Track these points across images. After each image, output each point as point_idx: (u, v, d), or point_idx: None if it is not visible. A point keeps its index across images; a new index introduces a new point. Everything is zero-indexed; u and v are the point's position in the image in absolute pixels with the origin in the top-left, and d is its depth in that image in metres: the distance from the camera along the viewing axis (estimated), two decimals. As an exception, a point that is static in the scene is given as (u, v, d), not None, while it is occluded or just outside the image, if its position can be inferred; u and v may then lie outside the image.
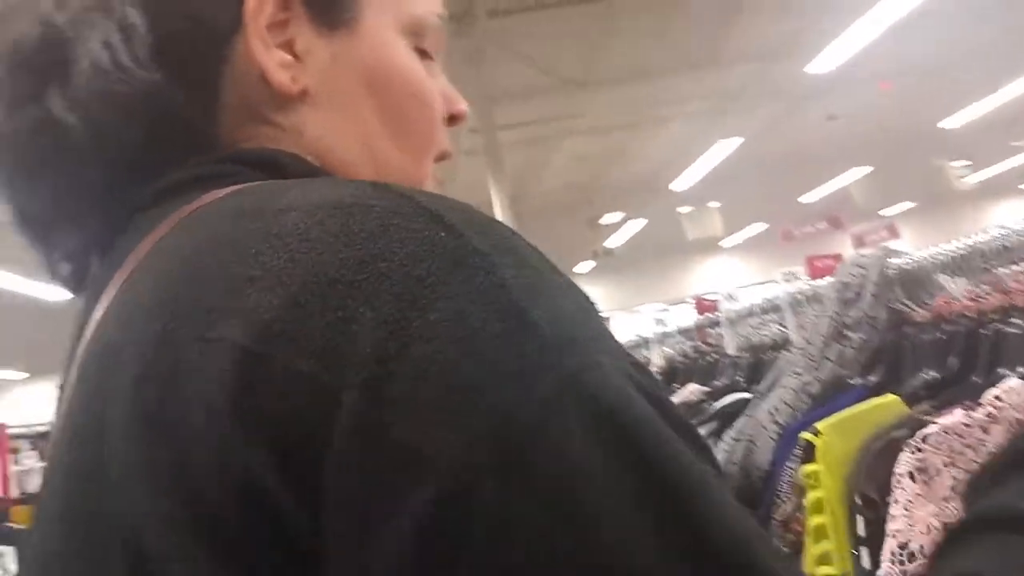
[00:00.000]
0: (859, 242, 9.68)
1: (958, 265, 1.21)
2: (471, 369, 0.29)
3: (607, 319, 0.37)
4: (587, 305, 0.34)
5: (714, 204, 11.76)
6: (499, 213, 7.15)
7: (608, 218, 12.56)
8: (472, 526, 0.27)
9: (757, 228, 12.92)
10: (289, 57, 0.44)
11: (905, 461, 0.86)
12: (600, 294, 13.52)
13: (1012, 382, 0.89)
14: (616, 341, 0.33)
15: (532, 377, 0.29)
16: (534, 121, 8.71)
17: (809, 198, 12.62)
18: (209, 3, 0.43)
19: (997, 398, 0.87)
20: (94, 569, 0.32)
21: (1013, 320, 1.06)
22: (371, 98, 0.46)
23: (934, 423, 0.88)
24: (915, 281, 1.29)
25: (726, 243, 13.35)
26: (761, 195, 12.46)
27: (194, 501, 0.29)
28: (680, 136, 9.94)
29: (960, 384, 1.11)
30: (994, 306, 1.12)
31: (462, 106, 0.52)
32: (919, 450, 0.85)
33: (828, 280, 1.49)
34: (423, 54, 0.48)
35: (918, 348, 1.21)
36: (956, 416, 0.87)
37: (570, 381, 0.29)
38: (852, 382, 1.28)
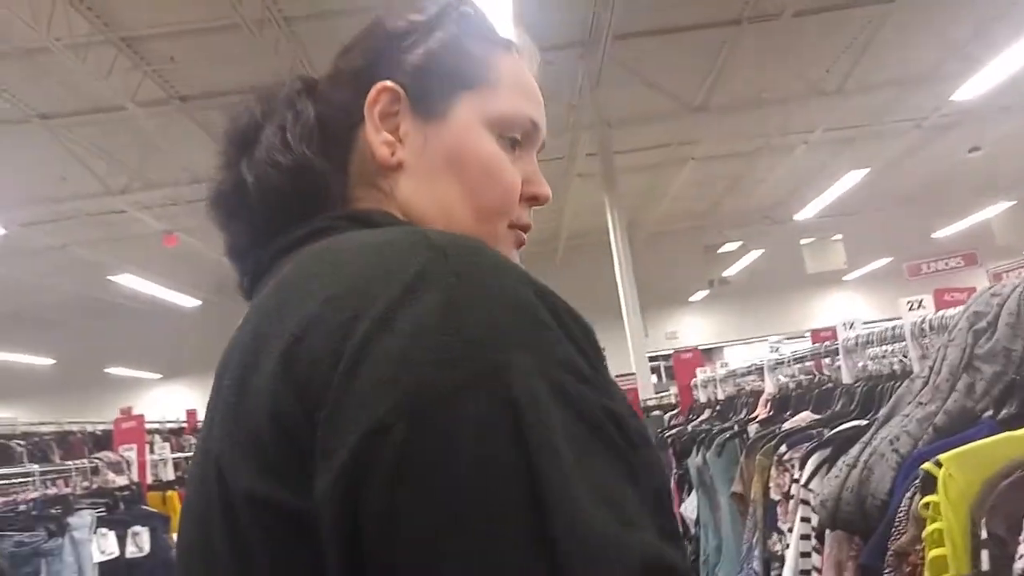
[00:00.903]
0: (997, 280, 9.02)
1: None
2: (412, 354, 0.42)
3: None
4: (547, 321, 0.45)
5: (837, 236, 11.28)
6: (614, 238, 7.14)
7: (725, 247, 12.27)
8: (379, 453, 0.40)
9: (881, 262, 12.27)
10: (391, 137, 0.61)
11: None
12: (713, 324, 13.20)
13: None
14: (561, 348, 0.44)
15: (455, 365, 0.41)
16: (653, 146, 8.66)
17: (942, 233, 11.88)
18: (351, 98, 0.61)
19: None
20: (204, 480, 0.49)
21: None
22: (451, 171, 0.61)
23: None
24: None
25: (848, 277, 12.74)
26: (888, 228, 11.85)
27: (248, 426, 0.46)
28: (803, 165, 9.62)
29: None
30: None
31: (544, 190, 0.65)
32: None
33: (957, 310, 1.43)
34: (514, 142, 0.63)
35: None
36: None
37: (486, 374, 0.41)
38: (982, 415, 1.22)
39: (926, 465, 1.03)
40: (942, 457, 1.00)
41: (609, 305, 7.08)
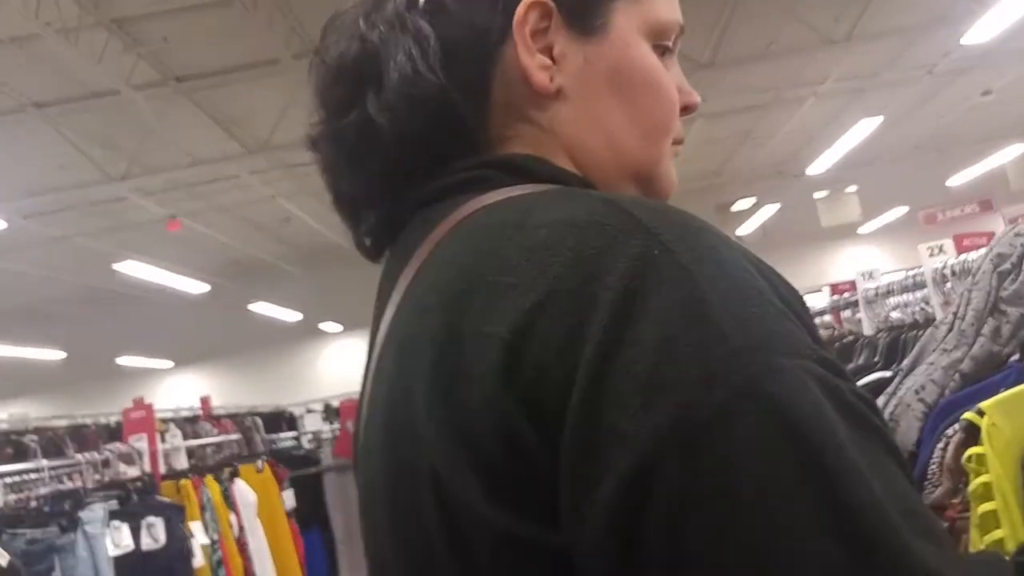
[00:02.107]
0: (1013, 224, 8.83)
1: None
2: (665, 372, 0.37)
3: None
4: (778, 303, 0.40)
5: (851, 188, 11.10)
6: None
7: (738, 205, 12.11)
8: (652, 492, 0.36)
9: (897, 213, 12.09)
10: (548, 60, 0.52)
11: None
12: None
13: None
14: (801, 335, 0.39)
15: (714, 382, 0.36)
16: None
17: (957, 180, 11.66)
18: (483, 13, 0.52)
19: None
20: (411, 496, 0.44)
21: None
22: (616, 93, 0.54)
23: None
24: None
25: (863, 229, 12.57)
26: (902, 178, 11.64)
27: (473, 446, 0.41)
28: (814, 117, 9.44)
29: None
30: None
31: (695, 98, 0.59)
32: None
33: (979, 253, 1.36)
34: (664, 51, 0.56)
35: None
36: None
37: (749, 388, 0.36)
38: (1008, 359, 1.16)
39: (968, 415, 0.97)
40: (983, 405, 0.94)
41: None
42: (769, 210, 11.95)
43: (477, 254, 0.45)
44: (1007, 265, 1.21)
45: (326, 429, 5.73)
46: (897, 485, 0.37)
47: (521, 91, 0.53)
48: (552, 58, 0.52)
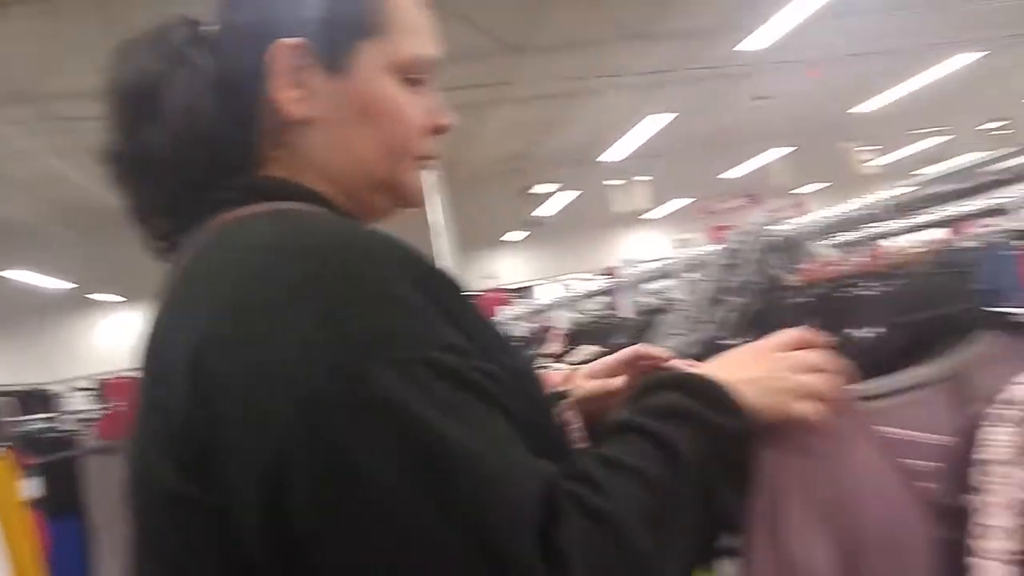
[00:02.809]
0: (774, 217, 9.98)
1: (827, 232, 1.27)
2: (297, 367, 0.47)
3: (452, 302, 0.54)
4: (417, 305, 0.50)
5: (642, 178, 11.91)
6: (430, 178, 7.08)
7: (540, 188, 12.58)
8: (291, 470, 0.46)
9: (680, 203, 13.19)
10: (300, 94, 0.62)
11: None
12: (530, 263, 13.61)
13: None
14: (427, 331, 0.50)
15: (334, 375, 0.46)
16: (468, 85, 8.62)
17: (731, 175, 12.94)
18: (252, 52, 0.62)
19: None
20: (142, 469, 0.55)
21: (868, 284, 1.13)
22: (361, 121, 0.64)
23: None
24: (793, 247, 1.36)
25: (651, 216, 13.57)
26: (686, 171, 12.70)
27: (171, 430, 0.51)
28: (613, 109, 10.00)
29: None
30: (851, 271, 1.19)
31: (447, 120, 0.70)
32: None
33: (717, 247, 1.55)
34: (414, 81, 0.66)
35: (788, 311, 1.27)
36: None
37: (362, 378, 0.46)
38: (729, 343, 1.34)
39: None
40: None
41: (425, 245, 7.07)
42: (569, 195, 12.55)
43: (193, 271, 0.56)
44: (734, 260, 1.39)
45: (93, 408, 5.28)
46: (496, 433, 0.49)
47: (280, 120, 0.63)
48: (305, 92, 0.62)
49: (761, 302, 1.33)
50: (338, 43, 0.63)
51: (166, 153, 0.61)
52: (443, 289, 0.53)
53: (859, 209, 1.26)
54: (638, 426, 0.57)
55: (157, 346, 0.56)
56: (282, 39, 0.62)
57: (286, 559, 0.47)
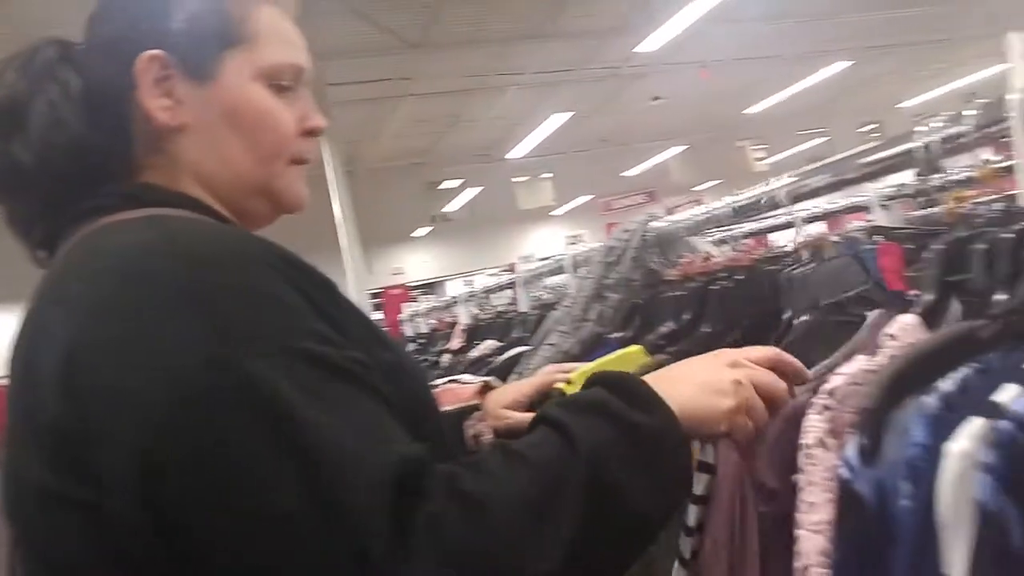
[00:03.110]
0: (670, 214, 10.37)
1: (701, 228, 1.37)
2: (170, 359, 0.49)
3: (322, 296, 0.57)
4: (286, 301, 0.53)
5: (547, 175, 12.12)
6: (330, 172, 6.98)
7: (446, 184, 12.59)
8: (160, 458, 0.48)
9: (584, 199, 13.48)
10: (168, 102, 0.65)
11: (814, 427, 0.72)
12: (437, 259, 13.59)
13: (906, 317, 0.79)
14: (298, 323, 0.53)
15: (203, 369, 0.49)
16: (369, 80, 8.53)
17: (631, 172, 13.33)
18: (119, 64, 0.64)
19: (891, 336, 0.78)
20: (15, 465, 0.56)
21: (736, 277, 1.24)
22: (231, 126, 0.67)
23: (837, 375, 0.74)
24: (669, 243, 1.45)
25: (556, 212, 13.81)
26: (588, 168, 12.98)
27: (42, 428, 0.53)
28: (515, 106, 10.11)
29: (691, 334, 1.27)
30: (722, 265, 1.29)
31: (318, 122, 0.72)
32: (827, 408, 0.72)
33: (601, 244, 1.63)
34: (281, 88, 0.69)
35: (665, 303, 1.36)
36: (858, 363, 0.76)
37: (232, 369, 0.49)
38: (610, 337, 1.42)
39: (559, 384, 1.15)
40: (572, 375, 1.11)
41: (330, 241, 6.97)
42: (473, 191, 12.62)
43: (61, 273, 0.58)
44: (613, 257, 1.48)
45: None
46: (363, 416, 0.51)
47: (152, 127, 0.65)
48: (174, 100, 0.65)
49: (638, 296, 1.43)
50: (202, 52, 0.66)
51: (33, 165, 0.63)
52: (314, 287, 0.56)
53: (727, 206, 1.37)
54: (547, 417, 0.58)
55: (26, 350, 0.57)
56: (146, 51, 0.64)
57: (163, 550, 0.49)
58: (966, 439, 0.53)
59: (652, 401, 0.60)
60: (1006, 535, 0.51)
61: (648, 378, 0.63)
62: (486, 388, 1.16)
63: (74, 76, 0.65)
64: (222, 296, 0.52)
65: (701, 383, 0.64)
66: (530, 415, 1.06)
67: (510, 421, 1.07)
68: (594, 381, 0.63)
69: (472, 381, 1.27)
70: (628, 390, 0.60)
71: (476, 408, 1.14)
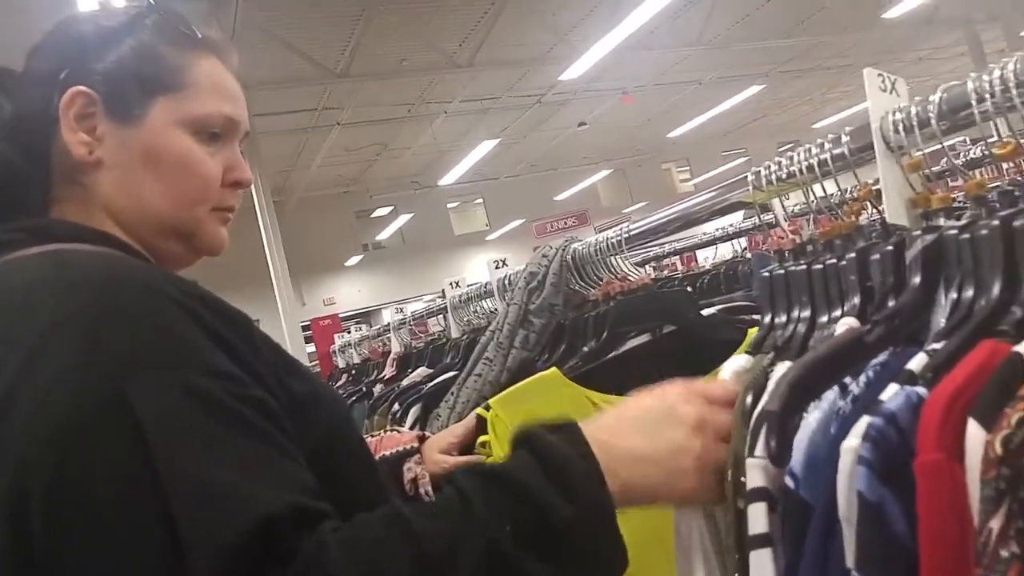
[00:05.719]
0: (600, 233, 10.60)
1: (621, 248, 1.41)
2: (53, 396, 0.50)
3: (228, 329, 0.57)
4: (188, 334, 0.53)
5: (478, 200, 12.22)
6: (258, 203, 6.88)
7: (377, 212, 12.56)
8: (35, 487, 0.48)
9: (517, 222, 13.63)
10: (88, 138, 0.66)
11: None
12: (370, 287, 13.49)
13: (847, 319, 0.74)
14: (191, 357, 0.52)
15: (88, 400, 0.49)
16: (296, 110, 8.48)
17: (561, 196, 13.55)
18: (46, 95, 0.66)
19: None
20: None
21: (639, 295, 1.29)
22: (149, 168, 0.67)
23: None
24: (586, 265, 1.48)
25: (490, 236, 13.91)
26: (520, 192, 13.16)
27: None
28: (444, 134, 10.20)
29: (602, 354, 1.28)
30: (619, 288, 1.34)
31: (245, 175, 0.73)
32: None
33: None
34: (212, 137, 0.70)
35: (584, 325, 1.40)
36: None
37: (115, 402, 0.49)
38: (538, 362, 1.44)
39: (478, 410, 1.15)
40: (491, 401, 1.12)
41: (261, 273, 6.85)
42: (405, 218, 12.61)
43: None
44: (535, 283, 1.51)
45: None
46: (240, 452, 0.50)
47: (71, 160, 0.66)
48: (95, 137, 0.67)
49: (560, 319, 1.46)
50: (129, 95, 0.67)
51: None
52: (224, 324, 0.55)
53: (641, 225, 1.42)
54: (454, 479, 0.55)
55: None
56: (73, 86, 0.66)
57: None
58: (854, 436, 0.57)
59: (579, 479, 0.55)
60: (888, 523, 0.55)
61: (597, 437, 0.58)
62: (423, 438, 1.18)
63: (6, 102, 0.67)
64: (104, 324, 0.51)
65: (660, 448, 0.60)
66: (464, 459, 1.08)
67: (446, 465, 1.10)
68: (528, 436, 0.57)
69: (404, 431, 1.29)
70: (559, 470, 0.54)
71: (415, 451, 1.15)
